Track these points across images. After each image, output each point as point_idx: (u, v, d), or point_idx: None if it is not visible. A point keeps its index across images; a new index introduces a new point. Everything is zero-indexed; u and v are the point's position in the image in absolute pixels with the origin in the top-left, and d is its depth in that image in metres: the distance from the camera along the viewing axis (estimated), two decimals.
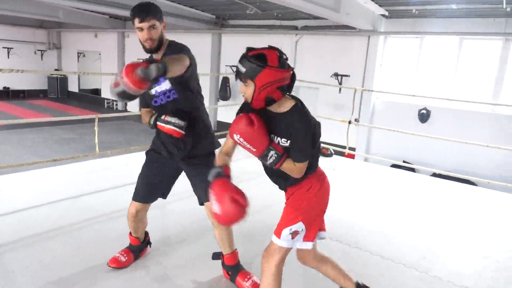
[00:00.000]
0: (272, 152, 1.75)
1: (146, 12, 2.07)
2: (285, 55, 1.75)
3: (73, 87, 19.49)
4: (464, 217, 3.89)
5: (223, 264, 2.42)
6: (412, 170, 6.85)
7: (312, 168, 1.90)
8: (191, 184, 2.37)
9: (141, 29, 2.09)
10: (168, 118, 2.13)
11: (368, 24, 9.04)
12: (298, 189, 1.91)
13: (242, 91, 1.74)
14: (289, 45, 11.14)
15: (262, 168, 2.05)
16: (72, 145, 10.21)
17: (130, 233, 2.55)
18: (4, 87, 17.71)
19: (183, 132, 2.14)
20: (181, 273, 2.53)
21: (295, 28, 11.03)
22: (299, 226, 1.85)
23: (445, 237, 3.36)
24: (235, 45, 12.71)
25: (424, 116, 8.74)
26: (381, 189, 4.63)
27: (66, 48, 19.35)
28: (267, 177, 2.06)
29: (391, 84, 9.54)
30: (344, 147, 5.83)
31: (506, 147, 5.14)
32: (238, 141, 1.77)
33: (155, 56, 2.18)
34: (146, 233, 2.65)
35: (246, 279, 2.33)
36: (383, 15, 9.18)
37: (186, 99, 2.23)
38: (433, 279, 2.63)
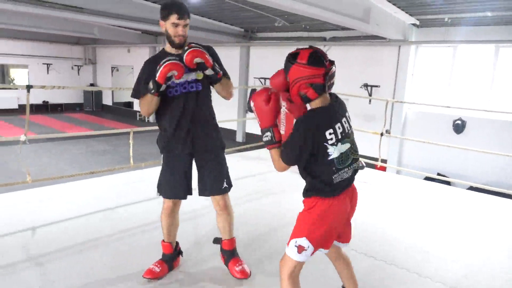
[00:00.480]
0: (269, 133, 1.87)
1: (184, 10, 2.27)
2: (322, 54, 1.78)
3: (107, 100, 20.22)
4: (504, 233, 3.71)
5: (221, 248, 2.60)
6: (447, 183, 6.63)
7: (316, 190, 1.84)
8: (199, 176, 2.48)
9: (177, 25, 2.26)
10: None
11: (398, 34, 8.91)
12: (305, 204, 1.91)
13: None
14: None
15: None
16: (107, 156, 10.55)
17: (163, 240, 2.61)
18: (44, 101, 18.58)
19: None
20: (214, 283, 2.55)
21: (324, 39, 11.02)
22: (304, 242, 1.82)
23: (485, 254, 3.22)
24: (263, 57, 12.84)
25: (459, 127, 8.46)
26: (415, 203, 4.50)
27: (101, 63, 20.15)
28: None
29: (423, 95, 9.32)
30: (376, 159, 5.72)
31: None
32: (252, 108, 1.89)
33: (176, 51, 2.34)
34: (177, 243, 2.70)
35: (237, 265, 2.53)
36: (413, 24, 9.03)
37: (207, 94, 2.44)
38: None
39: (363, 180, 5.18)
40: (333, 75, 1.81)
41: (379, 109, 9.65)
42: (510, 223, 4.01)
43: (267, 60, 12.61)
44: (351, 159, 1.88)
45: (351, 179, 1.93)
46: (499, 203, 4.70)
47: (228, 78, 2.45)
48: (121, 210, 3.72)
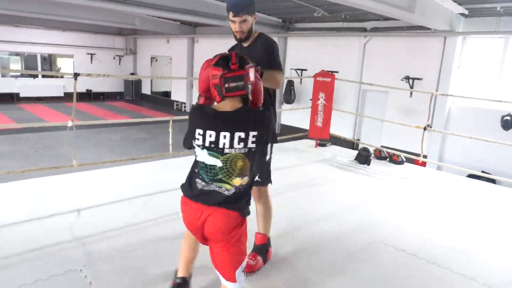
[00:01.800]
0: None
1: (240, 7, 2.35)
2: (233, 58, 1.76)
3: (146, 89, 20.75)
4: None
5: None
6: (493, 181, 6.29)
7: (185, 181, 1.96)
8: None
9: (234, 22, 2.39)
10: None
11: (444, 24, 8.48)
12: None
13: None
14: (357, 47, 10.85)
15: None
16: (146, 144, 10.87)
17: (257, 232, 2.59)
18: (87, 90, 19.35)
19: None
20: None
21: (364, 30, 10.70)
22: None
23: None
24: (300, 48, 12.66)
25: (508, 123, 7.99)
26: (458, 200, 4.31)
27: (141, 53, 20.67)
28: None
29: (469, 88, 8.86)
30: (418, 155, 5.52)
31: None
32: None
33: (244, 44, 2.51)
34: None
35: (251, 258, 2.50)
36: (462, 14, 8.56)
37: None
38: None
39: (403, 176, 5.03)
40: (236, 79, 1.69)
41: (420, 103, 9.28)
42: None
43: (305, 51, 12.42)
44: (220, 180, 1.72)
45: (214, 200, 1.73)
46: None
47: (275, 69, 2.43)
48: (159, 197, 3.81)
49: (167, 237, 2.98)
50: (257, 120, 1.77)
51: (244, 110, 1.76)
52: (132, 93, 20.56)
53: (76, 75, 3.98)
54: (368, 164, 5.38)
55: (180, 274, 2.18)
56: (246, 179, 1.75)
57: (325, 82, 6.01)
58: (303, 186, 4.43)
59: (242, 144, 1.70)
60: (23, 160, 8.62)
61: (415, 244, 3.08)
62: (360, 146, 5.97)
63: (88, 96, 19.28)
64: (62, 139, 10.03)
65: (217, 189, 1.74)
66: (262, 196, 2.54)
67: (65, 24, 16.31)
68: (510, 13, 7.93)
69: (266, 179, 2.53)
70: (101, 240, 2.90)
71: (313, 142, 6.40)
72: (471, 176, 6.34)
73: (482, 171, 7.40)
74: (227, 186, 1.73)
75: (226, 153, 1.70)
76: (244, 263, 1.81)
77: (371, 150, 5.78)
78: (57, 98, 18.16)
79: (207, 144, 1.72)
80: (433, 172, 5.96)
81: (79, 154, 8.13)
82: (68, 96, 18.02)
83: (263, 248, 2.58)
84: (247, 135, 1.70)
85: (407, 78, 9.73)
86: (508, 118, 7.97)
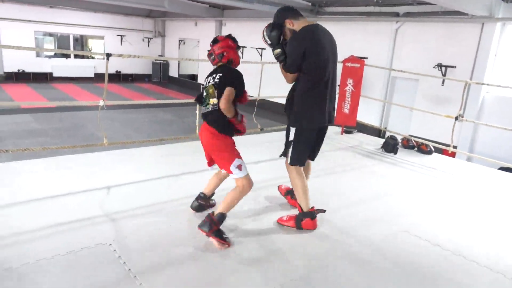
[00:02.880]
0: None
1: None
2: (222, 37, 2.87)
3: (173, 72, 20.96)
4: None
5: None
6: None
7: None
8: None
9: None
10: None
11: (483, 10, 8.09)
12: None
13: None
14: (388, 33, 10.53)
15: None
16: (173, 126, 11.05)
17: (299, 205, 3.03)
18: (116, 71, 19.74)
19: None
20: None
21: (397, 14, 10.35)
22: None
23: None
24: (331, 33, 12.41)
25: None
26: (487, 193, 4.19)
27: (169, 36, 20.81)
28: None
29: (507, 78, 8.48)
30: (448, 145, 5.37)
31: None
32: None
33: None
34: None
35: (287, 218, 3.08)
36: None
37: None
38: None
39: (431, 166, 4.93)
40: (211, 54, 2.84)
41: (452, 92, 8.97)
42: None
43: (335, 36, 12.15)
44: (206, 103, 2.74)
45: (205, 117, 2.79)
46: None
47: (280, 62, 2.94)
48: (186, 177, 3.90)
49: (192, 217, 3.06)
50: (222, 70, 2.77)
51: (220, 66, 2.81)
52: (160, 76, 20.83)
53: (108, 55, 4.07)
54: (395, 153, 5.29)
55: (203, 190, 3.16)
56: (215, 100, 2.68)
57: (354, 68, 5.89)
58: (328, 173, 4.41)
59: (213, 80, 2.73)
60: (57, 138, 8.96)
61: (441, 235, 3.03)
62: (388, 134, 5.86)
63: (117, 78, 19.67)
64: (92, 118, 10.34)
65: (205, 109, 2.78)
66: (288, 170, 3.07)
67: (97, 6, 16.58)
68: None
69: (290, 158, 3.00)
70: (129, 217, 3.00)
71: (339, 129, 6.33)
72: (502, 168, 6.14)
73: None
74: (208, 106, 2.73)
75: (206, 86, 2.76)
76: (235, 162, 2.69)
77: (399, 138, 5.67)
78: (88, 78, 18.63)
79: (205, 84, 2.82)
80: (462, 163, 5.80)
81: (108, 133, 8.38)
82: (98, 77, 18.43)
83: (298, 216, 3.01)
84: (215, 77, 2.74)
85: (440, 65, 9.39)
86: None
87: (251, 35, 15.48)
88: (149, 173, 3.90)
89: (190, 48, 19.38)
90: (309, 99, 2.86)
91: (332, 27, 12.35)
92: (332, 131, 6.37)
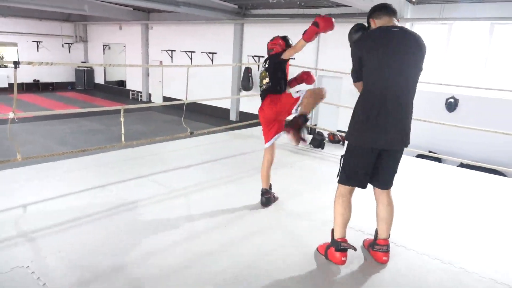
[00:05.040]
0: None
1: None
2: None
3: (99, 79, 19.94)
4: (494, 209, 3.77)
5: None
6: (439, 160, 6.68)
7: None
8: None
9: None
10: None
11: None
12: None
13: None
14: None
15: None
16: (99, 135, 10.48)
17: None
18: (34, 80, 18.29)
19: None
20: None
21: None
22: None
23: (474, 230, 3.28)
24: (257, 34, 12.65)
25: (451, 105, 8.48)
26: (406, 179, 4.54)
27: (92, 40, 19.77)
28: None
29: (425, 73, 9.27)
30: None
31: None
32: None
33: None
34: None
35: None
36: (409, 1, 8.90)
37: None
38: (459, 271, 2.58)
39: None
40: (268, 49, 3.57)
41: None
42: (499, 199, 4.08)
43: (261, 38, 12.36)
44: (262, 84, 3.42)
45: (265, 93, 3.39)
46: (489, 179, 4.77)
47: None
48: (112, 187, 3.72)
49: (122, 229, 2.92)
50: (271, 58, 3.48)
51: (270, 56, 3.52)
52: (84, 83, 19.70)
53: (16, 64, 3.74)
54: (323, 148, 5.54)
55: (262, 186, 3.54)
56: (267, 80, 3.38)
57: None
58: (258, 172, 4.47)
59: (265, 67, 3.44)
60: None
61: (365, 222, 3.22)
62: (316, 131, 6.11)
63: (35, 87, 18.27)
64: (5, 132, 9.46)
65: (261, 87, 3.44)
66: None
67: (7, 10, 15.24)
68: (453, 1, 8.35)
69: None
70: (49, 235, 2.79)
71: None
72: (419, 156, 6.70)
73: (429, 151, 7.84)
74: (263, 86, 3.41)
75: (263, 71, 3.46)
76: (295, 95, 3.23)
77: (325, 134, 5.94)
78: (1, 89, 17.04)
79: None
80: None
81: (26, 148, 7.68)
82: (12, 87, 16.92)
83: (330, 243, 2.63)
84: (265, 64, 3.47)
85: None
86: (452, 100, 8.45)
87: (180, 38, 15.29)
88: (71, 187, 3.67)
89: (117, 53, 18.58)
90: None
91: (259, 29, 12.55)
92: None
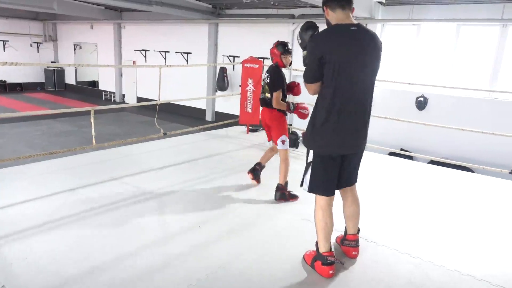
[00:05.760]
0: None
1: None
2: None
3: (70, 79, 19.39)
4: (462, 203, 3.91)
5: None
6: (410, 158, 6.87)
7: None
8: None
9: None
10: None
11: (365, 12, 8.95)
12: None
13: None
14: (286, 33, 11.06)
15: None
16: (70, 138, 10.19)
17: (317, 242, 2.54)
18: (1, 81, 17.62)
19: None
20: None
21: (292, 16, 10.93)
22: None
23: (443, 224, 3.39)
24: (232, 34, 12.62)
25: (421, 104, 8.72)
26: (379, 177, 4.64)
27: (62, 40, 19.20)
28: None
29: (388, 72, 9.49)
30: None
31: (503, 133, 5.14)
32: None
33: None
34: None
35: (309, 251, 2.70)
36: (380, 2, 9.09)
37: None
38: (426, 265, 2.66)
39: None
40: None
41: None
42: (467, 194, 4.23)
43: (236, 38, 12.41)
44: (264, 94, 3.70)
45: (265, 102, 3.71)
46: (457, 175, 4.93)
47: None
48: (82, 191, 3.63)
49: (92, 233, 2.85)
50: (269, 70, 3.70)
51: (271, 66, 3.73)
52: (54, 83, 19.10)
53: None
54: (297, 147, 5.58)
55: (259, 160, 4.04)
56: (268, 94, 3.64)
57: (253, 68, 6.07)
58: (233, 172, 4.47)
59: (267, 80, 3.66)
60: None
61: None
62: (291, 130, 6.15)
63: (2, 88, 17.60)
64: None
65: (263, 96, 3.72)
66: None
67: None
68: (422, 2, 8.59)
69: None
70: (15, 241, 2.69)
71: (245, 128, 6.47)
72: (391, 154, 6.86)
73: (401, 149, 8.04)
74: (265, 97, 3.68)
75: (263, 85, 3.74)
76: (282, 137, 3.67)
77: (299, 133, 5.99)
78: None
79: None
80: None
81: None
82: None
83: (315, 256, 2.54)
84: (267, 76, 3.67)
85: None
86: (421, 99, 8.70)
87: (153, 38, 15.06)
88: (39, 191, 3.55)
89: (88, 53, 18.12)
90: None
91: (234, 29, 12.53)
92: (239, 131, 6.48)
